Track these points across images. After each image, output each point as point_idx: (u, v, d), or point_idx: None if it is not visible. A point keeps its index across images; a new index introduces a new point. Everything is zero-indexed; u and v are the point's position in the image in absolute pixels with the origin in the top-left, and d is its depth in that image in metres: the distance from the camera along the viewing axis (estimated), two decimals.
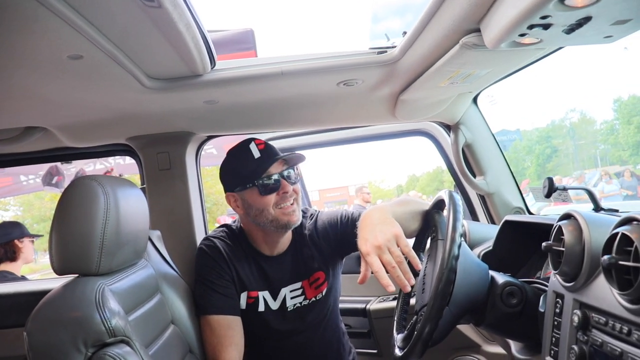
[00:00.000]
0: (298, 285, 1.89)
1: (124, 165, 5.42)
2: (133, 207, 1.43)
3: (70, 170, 4.96)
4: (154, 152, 2.11)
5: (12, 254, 3.23)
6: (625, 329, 0.90)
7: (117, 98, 1.62)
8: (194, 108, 1.80)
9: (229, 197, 1.85)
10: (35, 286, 2.28)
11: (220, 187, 1.91)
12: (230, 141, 4.53)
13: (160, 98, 1.63)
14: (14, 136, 1.96)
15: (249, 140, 1.83)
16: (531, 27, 1.03)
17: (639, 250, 0.85)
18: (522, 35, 1.08)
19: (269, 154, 1.80)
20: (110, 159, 5.21)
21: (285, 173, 1.80)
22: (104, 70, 1.33)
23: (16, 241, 3.25)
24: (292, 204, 1.80)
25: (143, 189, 2.07)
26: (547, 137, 48.31)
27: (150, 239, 1.74)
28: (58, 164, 4.56)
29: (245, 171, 1.78)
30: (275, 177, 1.77)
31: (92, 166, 5.29)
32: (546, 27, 1.02)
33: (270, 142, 2.65)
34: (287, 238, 1.91)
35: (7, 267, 3.21)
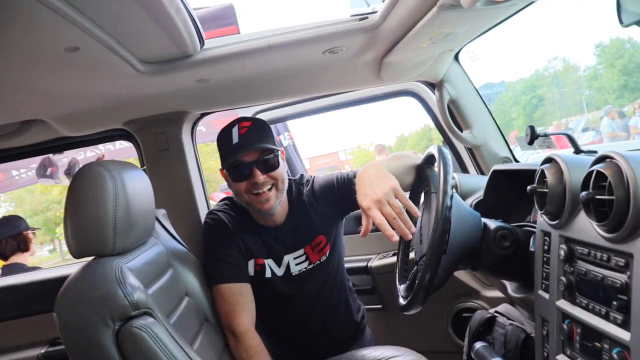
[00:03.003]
0: (301, 252, 1.94)
1: (115, 151, 5.44)
2: (139, 188, 1.48)
3: (62, 160, 4.97)
4: (151, 134, 2.16)
5: (24, 245, 3.29)
6: (605, 257, 0.99)
7: (113, 85, 1.66)
8: (186, 88, 1.84)
9: (222, 172, 1.88)
10: (52, 273, 2.34)
11: (211, 164, 1.93)
12: (217, 117, 4.57)
13: (154, 81, 1.67)
14: (12, 131, 1.99)
15: (234, 123, 1.82)
16: None
17: (612, 185, 0.94)
18: None
19: (247, 141, 1.77)
20: (101, 146, 5.23)
21: (261, 161, 1.78)
22: (100, 59, 1.36)
23: (24, 232, 3.32)
24: (265, 192, 1.79)
25: (144, 171, 2.12)
26: (532, 87, 48.19)
27: (157, 218, 1.79)
28: (50, 155, 4.59)
29: (223, 155, 1.81)
30: (246, 165, 1.77)
31: (83, 154, 5.30)
32: None
33: (262, 114, 2.68)
34: (282, 211, 1.92)
35: (18, 258, 3.28)
